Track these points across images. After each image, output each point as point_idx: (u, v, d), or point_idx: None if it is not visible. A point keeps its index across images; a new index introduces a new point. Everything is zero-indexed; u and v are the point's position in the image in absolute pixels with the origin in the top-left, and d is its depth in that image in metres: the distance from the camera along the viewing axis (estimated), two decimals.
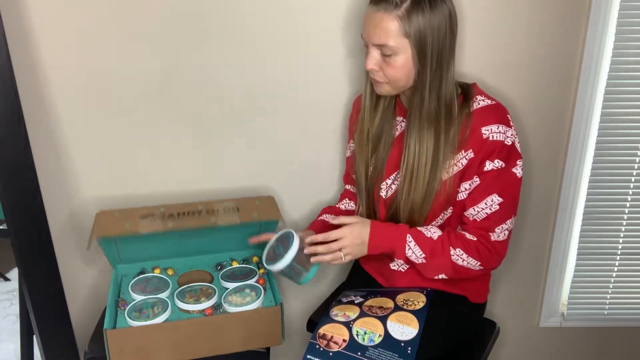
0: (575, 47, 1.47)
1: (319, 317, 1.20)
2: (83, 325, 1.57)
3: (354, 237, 1.16)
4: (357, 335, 1.11)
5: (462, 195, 1.19)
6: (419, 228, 1.20)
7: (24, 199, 1.34)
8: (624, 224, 1.64)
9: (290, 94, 1.46)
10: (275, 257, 1.19)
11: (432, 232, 1.19)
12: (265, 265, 1.22)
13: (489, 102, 1.16)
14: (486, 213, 1.17)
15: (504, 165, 1.14)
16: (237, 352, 1.26)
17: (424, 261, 1.18)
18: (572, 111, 1.53)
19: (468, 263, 1.18)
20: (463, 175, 1.16)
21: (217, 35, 1.39)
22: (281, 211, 1.42)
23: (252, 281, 1.36)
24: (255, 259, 1.46)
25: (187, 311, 1.26)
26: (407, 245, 1.17)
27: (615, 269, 1.70)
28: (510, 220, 1.19)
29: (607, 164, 1.58)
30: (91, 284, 1.59)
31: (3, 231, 1.60)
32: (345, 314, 1.17)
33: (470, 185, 1.17)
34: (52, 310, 1.43)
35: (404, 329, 1.12)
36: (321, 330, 1.13)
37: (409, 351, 1.08)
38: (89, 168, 1.47)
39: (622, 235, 1.66)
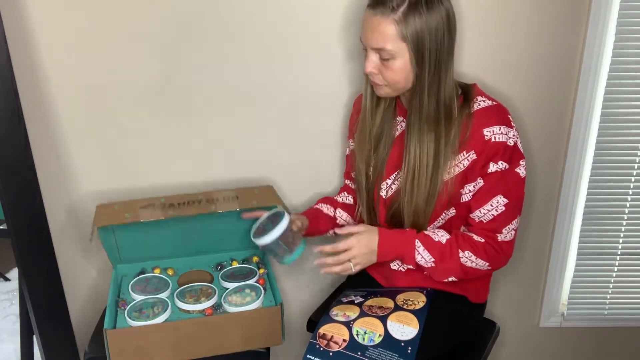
0: (575, 47, 1.47)
1: (319, 317, 1.21)
2: (83, 325, 1.57)
3: (362, 247, 1.16)
4: (357, 335, 1.11)
5: (465, 197, 1.18)
6: (426, 232, 1.20)
7: (24, 199, 1.34)
8: (624, 224, 1.64)
9: (290, 93, 1.46)
10: (263, 233, 1.21)
11: (440, 235, 1.19)
12: (252, 238, 1.24)
13: (490, 102, 1.16)
14: (492, 215, 1.17)
15: (507, 167, 1.14)
16: (237, 352, 1.26)
17: (434, 265, 1.18)
18: (572, 111, 1.53)
19: (477, 264, 1.19)
20: (465, 177, 1.16)
21: (217, 35, 1.39)
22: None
23: (252, 281, 1.36)
24: (255, 259, 1.46)
25: (187, 311, 1.26)
26: (416, 250, 1.17)
27: (615, 269, 1.70)
28: (515, 220, 1.19)
29: (607, 164, 1.58)
30: (91, 284, 1.59)
31: (3, 231, 1.60)
32: (345, 313, 1.17)
33: (474, 187, 1.17)
34: (52, 310, 1.43)
35: (404, 328, 1.12)
36: (321, 330, 1.13)
37: (409, 351, 1.08)
38: (89, 168, 1.47)
39: (622, 235, 1.66)
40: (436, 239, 1.18)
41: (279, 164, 1.52)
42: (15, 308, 2.13)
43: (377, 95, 1.20)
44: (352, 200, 1.43)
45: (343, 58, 1.44)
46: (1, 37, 1.25)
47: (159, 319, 1.22)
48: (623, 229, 1.65)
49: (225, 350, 1.25)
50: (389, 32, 1.06)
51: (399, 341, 1.10)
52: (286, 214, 1.23)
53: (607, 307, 1.75)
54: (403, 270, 1.28)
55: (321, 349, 1.09)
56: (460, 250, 1.18)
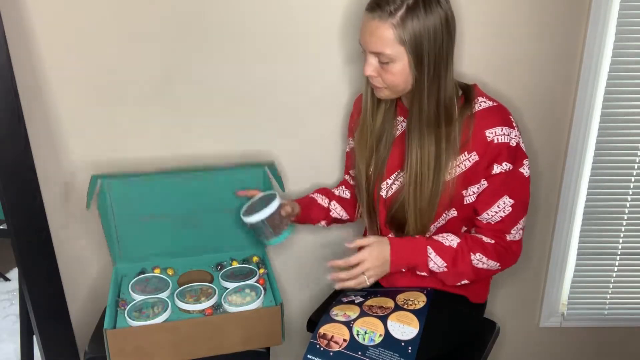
0: (575, 47, 1.47)
1: (319, 317, 1.20)
2: (83, 325, 1.57)
3: (375, 258, 1.15)
4: (358, 335, 1.11)
5: (469, 199, 1.18)
6: (435, 238, 1.20)
7: (24, 199, 1.34)
8: (624, 224, 1.64)
9: (290, 93, 1.46)
10: (251, 212, 1.24)
11: (450, 240, 1.19)
12: (241, 216, 1.27)
13: (491, 103, 1.16)
14: (500, 216, 1.17)
15: (511, 167, 1.14)
16: (237, 352, 1.26)
17: (446, 270, 1.18)
18: (572, 111, 1.53)
19: (488, 265, 1.19)
20: (467, 178, 1.16)
21: (217, 35, 1.39)
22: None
23: (252, 281, 1.36)
24: (255, 258, 1.46)
25: (187, 311, 1.26)
26: (428, 257, 1.17)
27: (615, 269, 1.70)
28: (523, 219, 1.20)
29: (607, 164, 1.58)
30: (91, 284, 1.59)
31: (3, 231, 1.60)
32: (345, 313, 1.17)
33: (478, 188, 1.17)
34: (52, 310, 1.43)
35: (405, 328, 1.12)
36: (321, 330, 1.13)
37: (409, 351, 1.08)
38: (89, 168, 1.47)
39: (622, 235, 1.66)
40: (447, 244, 1.18)
41: (278, 163, 1.51)
42: (15, 308, 2.13)
43: (378, 97, 1.19)
44: (349, 194, 1.43)
45: (343, 58, 1.44)
46: (1, 37, 1.25)
47: (159, 319, 1.22)
48: (623, 229, 1.65)
49: (225, 350, 1.25)
50: (387, 37, 1.06)
51: (400, 341, 1.10)
52: (277, 197, 1.26)
53: (607, 307, 1.75)
54: (403, 270, 1.28)
55: (321, 348, 1.09)
56: (471, 253, 1.18)
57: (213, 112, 1.46)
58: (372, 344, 1.09)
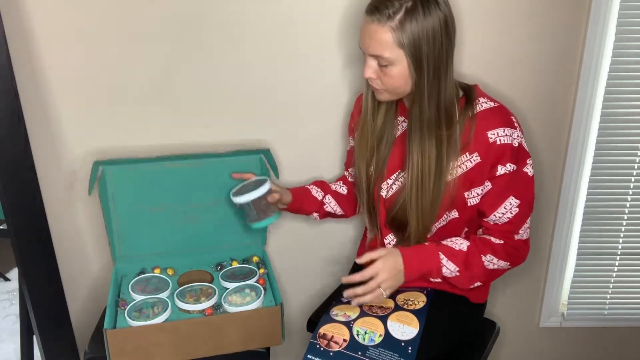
0: (575, 47, 1.47)
1: (319, 317, 1.20)
2: (83, 325, 1.57)
3: (389, 270, 1.13)
4: (358, 335, 1.11)
5: (473, 201, 1.18)
6: (444, 243, 1.20)
7: (24, 199, 1.34)
8: (624, 224, 1.64)
9: (290, 94, 1.46)
10: (240, 193, 1.28)
11: (460, 244, 1.19)
12: (230, 196, 1.31)
13: (492, 104, 1.16)
14: (508, 217, 1.17)
15: (515, 168, 1.14)
16: (237, 352, 1.26)
17: (458, 274, 1.18)
18: (572, 111, 1.53)
19: (499, 266, 1.20)
20: (469, 179, 1.16)
21: (217, 35, 1.39)
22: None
23: (252, 281, 1.36)
24: (255, 259, 1.46)
25: (187, 311, 1.26)
26: (441, 262, 1.17)
27: (615, 269, 1.70)
28: (529, 218, 1.21)
29: (607, 164, 1.58)
30: (91, 284, 1.59)
31: (3, 231, 1.60)
32: (345, 313, 1.17)
33: (482, 190, 1.17)
34: (52, 310, 1.43)
35: (405, 328, 1.12)
36: (321, 330, 1.13)
37: (409, 351, 1.08)
38: (89, 168, 1.46)
39: (622, 235, 1.66)
40: (457, 248, 1.18)
41: (278, 163, 1.51)
42: (15, 308, 2.13)
43: (378, 99, 1.19)
44: (345, 190, 1.43)
45: (344, 59, 1.44)
46: (1, 37, 1.25)
47: (159, 319, 1.22)
48: (623, 229, 1.65)
49: (225, 350, 1.25)
50: (385, 40, 1.05)
51: (400, 341, 1.10)
52: (267, 183, 1.28)
53: (607, 307, 1.75)
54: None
55: (321, 349, 1.09)
56: (482, 255, 1.18)
57: (213, 112, 1.46)
58: (372, 344, 1.09)
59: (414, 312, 1.17)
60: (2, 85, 1.25)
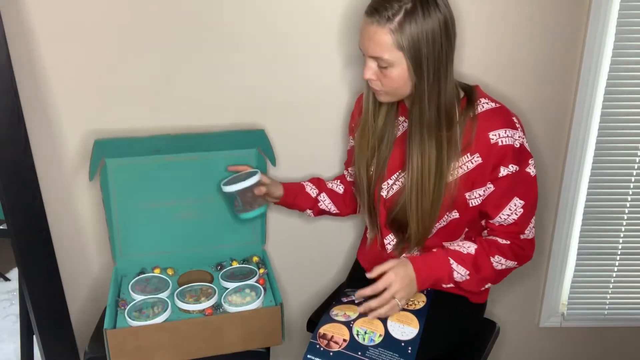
0: (575, 47, 1.47)
1: (319, 317, 1.20)
2: (83, 325, 1.57)
3: (401, 279, 1.13)
4: (358, 335, 1.11)
5: (474, 202, 1.18)
6: (452, 248, 1.20)
7: (24, 199, 1.34)
8: (624, 224, 1.64)
9: (291, 93, 1.46)
10: (229, 183, 1.31)
11: (467, 247, 1.19)
12: (220, 185, 1.34)
13: (493, 105, 1.15)
14: (513, 219, 1.18)
15: (518, 169, 1.14)
16: (237, 352, 1.26)
17: (469, 277, 1.18)
18: (572, 111, 1.53)
19: (507, 266, 1.21)
20: (470, 180, 1.15)
21: (218, 35, 1.39)
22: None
23: (252, 281, 1.36)
24: (255, 259, 1.46)
25: (187, 311, 1.26)
26: (451, 267, 1.17)
27: (615, 269, 1.70)
28: (534, 217, 1.21)
29: (607, 164, 1.58)
30: (91, 284, 1.59)
31: (3, 231, 1.60)
32: (345, 313, 1.17)
33: (484, 192, 1.17)
34: (52, 310, 1.43)
35: (405, 328, 1.12)
36: (321, 330, 1.13)
37: (409, 351, 1.08)
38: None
39: (622, 235, 1.66)
40: (465, 252, 1.18)
41: (278, 163, 1.51)
42: (15, 308, 2.13)
43: (379, 100, 1.19)
44: (342, 190, 1.42)
45: (344, 59, 1.44)
46: (1, 37, 1.25)
47: (159, 319, 1.22)
48: (623, 229, 1.65)
49: (225, 350, 1.25)
50: (385, 42, 1.05)
51: (400, 341, 1.10)
52: (255, 176, 1.30)
53: (607, 307, 1.75)
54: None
55: (321, 348, 1.09)
56: (490, 257, 1.19)
57: (213, 112, 1.46)
58: (372, 344, 1.09)
59: (414, 312, 1.16)
60: (2, 85, 1.25)
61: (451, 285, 1.20)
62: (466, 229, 1.25)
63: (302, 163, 1.53)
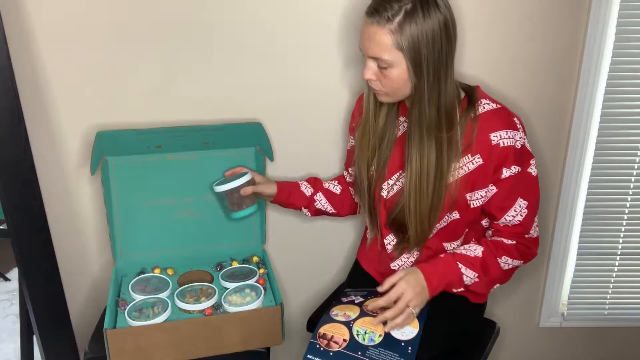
0: (575, 47, 1.47)
1: (319, 317, 1.20)
2: (83, 325, 1.57)
3: (413, 287, 1.13)
4: (358, 334, 1.11)
5: (475, 203, 1.18)
6: (458, 251, 1.20)
7: (24, 199, 1.34)
8: (624, 224, 1.64)
9: (290, 93, 1.46)
10: (221, 184, 1.34)
11: (474, 250, 1.20)
12: (212, 186, 1.37)
13: (494, 105, 1.15)
14: (519, 220, 1.18)
15: (520, 170, 1.14)
16: (237, 352, 1.26)
17: (478, 280, 1.19)
18: (572, 111, 1.53)
19: (513, 265, 1.22)
20: (471, 181, 1.15)
21: (218, 35, 1.39)
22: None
23: (252, 281, 1.36)
24: (255, 258, 1.47)
25: (187, 311, 1.26)
26: (460, 271, 1.18)
27: (615, 269, 1.70)
28: (537, 216, 1.22)
29: (607, 164, 1.58)
30: (91, 284, 1.59)
31: (3, 231, 1.60)
32: (345, 313, 1.17)
33: (485, 193, 1.17)
34: (52, 310, 1.43)
35: (405, 328, 1.12)
36: (321, 330, 1.13)
37: (409, 351, 1.08)
38: (89, 167, 1.47)
39: (622, 235, 1.66)
40: (472, 255, 1.19)
41: (277, 162, 1.52)
42: (15, 308, 2.13)
43: (379, 101, 1.19)
44: (339, 190, 1.42)
45: (344, 59, 1.44)
46: (1, 37, 1.25)
47: (159, 319, 1.22)
48: (623, 229, 1.65)
49: (225, 350, 1.25)
50: (384, 42, 1.05)
51: (399, 341, 1.10)
52: (241, 178, 1.32)
53: (607, 307, 1.75)
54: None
55: (321, 348, 1.09)
56: (497, 258, 1.20)
57: (212, 112, 1.45)
58: (372, 344, 1.09)
59: None
60: (2, 85, 1.25)
61: (462, 289, 1.20)
62: (466, 230, 1.25)
63: (302, 163, 1.53)
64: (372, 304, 1.14)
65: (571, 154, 1.56)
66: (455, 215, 1.20)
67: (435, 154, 1.13)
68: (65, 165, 1.46)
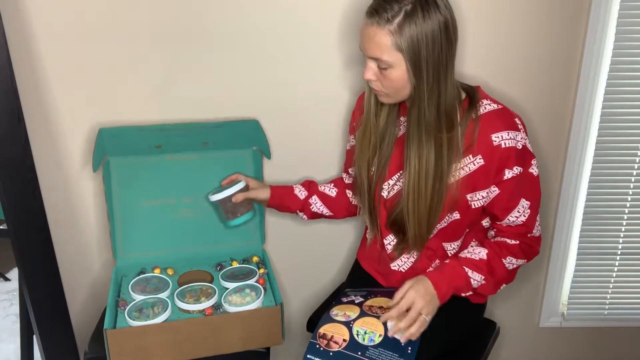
0: (575, 47, 1.47)
1: (319, 317, 1.20)
2: (83, 325, 1.57)
3: (423, 295, 1.13)
4: (358, 335, 1.11)
5: (476, 204, 1.18)
6: (463, 256, 1.21)
7: (24, 199, 1.34)
8: (624, 224, 1.64)
9: (291, 93, 1.46)
10: (215, 192, 1.37)
11: (478, 252, 1.21)
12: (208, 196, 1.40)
13: (495, 106, 1.15)
14: (522, 220, 1.19)
15: (522, 170, 1.14)
16: (237, 352, 1.26)
17: (484, 282, 1.20)
18: (572, 111, 1.53)
19: (517, 264, 1.24)
20: (473, 182, 1.15)
21: (218, 35, 1.39)
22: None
23: (252, 281, 1.36)
24: (255, 258, 1.47)
25: (187, 311, 1.26)
26: (468, 275, 1.18)
27: (615, 269, 1.70)
28: (539, 215, 1.23)
29: (607, 164, 1.58)
30: (91, 284, 1.59)
31: (3, 231, 1.60)
32: (345, 313, 1.17)
33: (487, 194, 1.17)
34: (52, 310, 1.43)
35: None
36: (321, 330, 1.13)
37: (409, 351, 1.08)
38: (90, 167, 1.47)
39: (622, 235, 1.66)
40: (477, 258, 1.20)
41: (277, 162, 1.51)
42: (15, 308, 2.13)
43: (380, 101, 1.19)
44: (335, 193, 1.42)
45: (344, 59, 1.44)
46: (1, 37, 1.25)
47: (159, 319, 1.22)
48: (623, 229, 1.65)
49: (225, 350, 1.25)
50: (384, 43, 1.05)
51: (399, 341, 1.10)
52: (235, 187, 1.34)
53: (607, 307, 1.75)
54: (403, 270, 1.28)
55: (321, 348, 1.09)
56: (502, 259, 1.21)
57: (212, 112, 1.45)
58: (372, 344, 1.09)
59: None
60: (2, 85, 1.25)
61: (470, 293, 1.21)
62: (467, 230, 1.25)
63: (302, 163, 1.53)
64: (384, 315, 1.13)
65: (571, 154, 1.56)
66: (456, 215, 1.20)
67: (435, 155, 1.12)
68: (65, 165, 1.46)
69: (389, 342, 1.09)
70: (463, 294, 1.21)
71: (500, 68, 1.47)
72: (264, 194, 1.38)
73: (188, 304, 1.27)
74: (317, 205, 1.41)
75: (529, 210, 1.18)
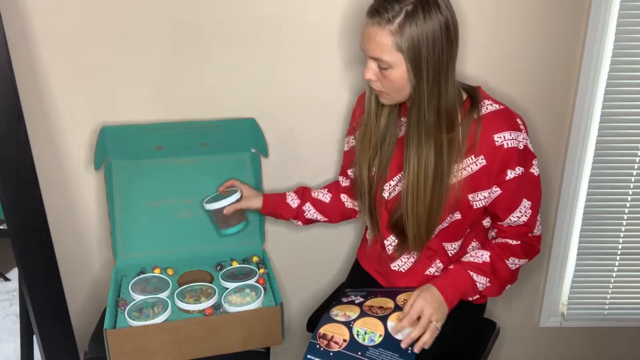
0: (575, 47, 1.47)
1: (319, 317, 1.20)
2: (83, 325, 1.57)
3: (431, 302, 1.13)
4: (358, 335, 1.11)
5: (478, 204, 1.18)
6: (466, 260, 1.22)
7: (24, 199, 1.34)
8: (624, 224, 1.64)
9: (291, 93, 1.46)
10: (210, 201, 1.39)
11: (480, 255, 1.21)
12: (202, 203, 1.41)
13: (497, 106, 1.15)
14: (524, 220, 1.19)
15: (524, 170, 1.14)
16: (237, 352, 1.26)
17: (489, 284, 1.21)
18: (572, 111, 1.53)
19: (520, 264, 1.24)
20: (474, 182, 1.15)
21: (218, 35, 1.39)
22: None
23: (252, 281, 1.36)
24: (255, 258, 1.47)
25: (187, 311, 1.26)
26: (473, 279, 1.19)
27: (615, 269, 1.70)
28: (539, 215, 1.23)
29: (607, 164, 1.58)
30: (91, 284, 1.59)
31: (3, 231, 1.60)
32: (345, 313, 1.17)
33: (489, 194, 1.17)
34: (52, 310, 1.43)
35: (405, 329, 1.12)
36: (321, 330, 1.13)
37: (409, 351, 1.08)
38: (89, 166, 1.47)
39: (622, 235, 1.66)
40: (481, 261, 1.20)
41: (277, 163, 1.51)
42: (15, 308, 2.13)
43: (381, 102, 1.19)
44: (328, 199, 1.41)
45: (344, 59, 1.44)
46: (1, 37, 1.25)
47: (159, 319, 1.22)
48: (623, 229, 1.65)
49: (225, 350, 1.25)
50: (385, 43, 1.05)
51: (400, 341, 1.10)
52: (229, 199, 1.36)
53: (607, 307, 1.75)
54: (403, 271, 1.28)
55: (321, 349, 1.09)
56: (505, 260, 1.21)
57: (211, 112, 1.46)
58: (372, 344, 1.09)
59: None
60: (2, 85, 1.25)
61: (477, 296, 1.22)
62: (467, 230, 1.25)
63: (300, 163, 1.53)
64: (397, 327, 1.12)
65: (571, 154, 1.56)
66: (457, 216, 1.20)
67: (435, 156, 1.12)
68: (65, 165, 1.46)
69: (389, 343, 1.09)
70: (470, 298, 1.21)
71: (500, 68, 1.47)
72: (256, 203, 1.39)
73: (188, 304, 1.27)
74: (311, 212, 1.41)
75: (530, 211, 1.18)
